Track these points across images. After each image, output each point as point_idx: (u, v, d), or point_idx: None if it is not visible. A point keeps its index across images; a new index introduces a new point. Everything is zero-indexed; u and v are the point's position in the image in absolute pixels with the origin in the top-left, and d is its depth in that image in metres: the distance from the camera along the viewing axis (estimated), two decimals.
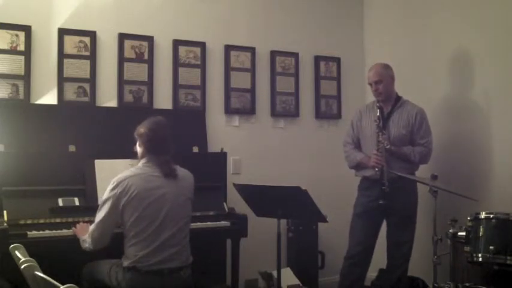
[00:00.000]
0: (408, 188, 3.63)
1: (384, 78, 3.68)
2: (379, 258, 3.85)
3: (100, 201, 2.91)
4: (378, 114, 3.59)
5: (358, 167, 3.78)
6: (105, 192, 2.85)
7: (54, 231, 3.10)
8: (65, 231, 3.12)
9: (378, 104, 3.64)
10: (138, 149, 2.96)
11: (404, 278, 3.71)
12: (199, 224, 3.42)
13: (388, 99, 3.72)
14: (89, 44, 3.84)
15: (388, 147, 3.55)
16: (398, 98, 3.75)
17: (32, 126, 3.52)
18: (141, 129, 2.92)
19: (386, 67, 3.75)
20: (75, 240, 3.08)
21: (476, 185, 3.79)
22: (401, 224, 3.65)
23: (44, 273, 1.68)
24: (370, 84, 3.74)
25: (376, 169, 3.54)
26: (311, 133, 4.65)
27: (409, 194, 3.66)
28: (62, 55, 3.76)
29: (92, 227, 2.86)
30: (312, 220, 4.17)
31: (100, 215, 2.82)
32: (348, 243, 3.78)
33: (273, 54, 4.50)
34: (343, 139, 3.94)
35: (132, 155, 3.04)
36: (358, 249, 3.70)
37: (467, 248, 3.02)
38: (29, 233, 3.02)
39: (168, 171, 2.86)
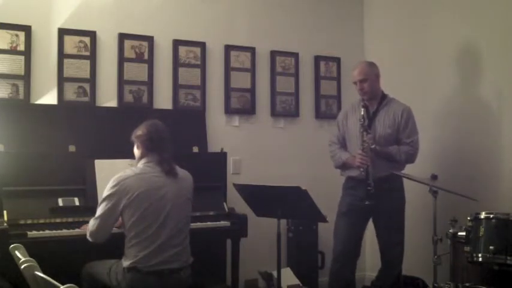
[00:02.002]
0: (395, 188, 3.59)
1: (368, 77, 3.60)
2: (379, 259, 3.84)
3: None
4: (363, 113, 3.53)
5: (343, 167, 3.70)
6: (105, 189, 2.85)
7: (54, 231, 3.10)
8: (65, 231, 3.13)
9: (362, 103, 3.58)
10: (136, 151, 2.96)
11: (400, 279, 3.69)
12: (199, 224, 3.42)
13: (374, 98, 3.64)
14: (89, 44, 3.83)
15: (373, 147, 3.48)
16: (384, 96, 3.67)
17: (32, 126, 3.52)
18: (139, 131, 2.95)
19: (371, 65, 3.69)
20: (75, 240, 3.10)
21: (476, 185, 3.78)
22: (391, 225, 3.59)
23: (44, 273, 1.68)
24: (355, 82, 3.65)
25: (361, 169, 3.48)
26: (311, 133, 4.65)
27: (396, 195, 3.61)
28: (62, 55, 3.76)
29: (91, 221, 2.87)
30: (312, 220, 4.17)
31: (99, 211, 2.83)
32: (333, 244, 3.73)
33: (273, 54, 4.50)
34: (329, 139, 3.87)
35: (132, 155, 3.04)
36: (344, 249, 3.63)
37: (467, 248, 3.02)
38: (29, 233, 3.02)
39: (168, 169, 2.87)
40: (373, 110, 3.63)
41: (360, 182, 3.53)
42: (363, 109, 3.54)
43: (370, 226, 3.74)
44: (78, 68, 3.80)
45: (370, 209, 3.50)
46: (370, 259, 4.40)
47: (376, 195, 3.42)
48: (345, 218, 3.65)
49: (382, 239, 3.66)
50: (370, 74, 3.62)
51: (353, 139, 3.66)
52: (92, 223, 2.85)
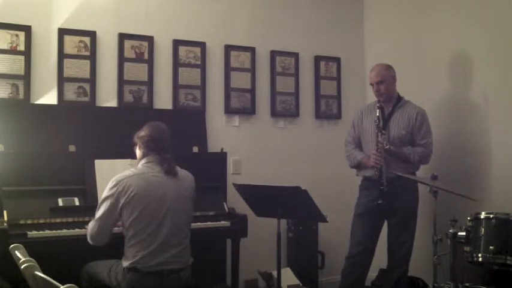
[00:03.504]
0: (408, 188, 3.63)
1: (385, 79, 3.68)
2: (379, 258, 3.84)
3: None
4: (378, 114, 3.61)
5: (358, 166, 3.79)
6: (104, 190, 2.85)
7: (54, 231, 3.10)
8: (65, 231, 3.13)
9: (378, 104, 3.65)
10: (138, 151, 2.98)
11: (404, 278, 3.72)
12: (199, 224, 3.42)
13: (390, 100, 3.72)
14: (89, 44, 3.84)
15: (387, 147, 3.56)
16: (399, 98, 3.75)
17: (32, 126, 3.52)
18: (142, 132, 2.97)
19: (389, 68, 3.76)
20: (75, 240, 3.10)
21: (476, 185, 3.79)
22: (401, 224, 3.66)
23: (44, 273, 1.68)
24: (372, 84, 3.74)
25: (375, 169, 3.55)
26: (311, 133, 4.65)
27: (410, 194, 3.66)
28: (62, 55, 3.76)
29: (91, 223, 2.87)
30: (312, 220, 4.17)
31: (99, 213, 2.82)
32: (349, 244, 3.79)
33: (273, 54, 4.50)
34: (345, 138, 3.95)
35: (132, 155, 3.05)
36: (359, 249, 3.70)
37: (467, 248, 3.02)
38: (29, 233, 3.02)
39: (168, 168, 2.88)
40: (388, 112, 3.71)
41: (374, 183, 3.60)
42: (378, 110, 3.61)
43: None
44: (78, 68, 3.80)
45: (384, 208, 3.55)
46: None
47: (389, 194, 3.49)
48: (361, 219, 3.72)
49: (391, 237, 3.72)
50: (387, 76, 3.70)
51: (368, 139, 3.73)
52: (92, 225, 2.84)
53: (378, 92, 3.70)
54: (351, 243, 3.77)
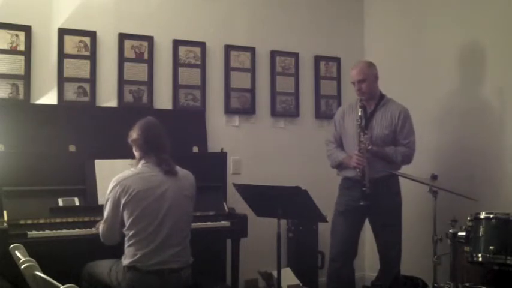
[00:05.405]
0: (391, 188, 3.58)
1: (367, 77, 3.58)
2: (378, 259, 3.84)
3: (101, 201, 2.92)
4: (360, 113, 3.51)
5: (340, 166, 3.70)
6: (106, 191, 2.87)
7: (54, 231, 3.11)
8: (65, 231, 3.13)
9: (360, 103, 3.56)
10: (136, 153, 2.97)
11: (401, 278, 3.69)
12: (199, 224, 3.42)
13: (372, 98, 3.62)
14: (89, 44, 3.84)
15: (369, 147, 3.47)
16: (382, 97, 3.66)
17: (32, 126, 3.51)
18: (133, 134, 2.94)
19: (370, 65, 3.66)
20: (75, 240, 3.11)
21: (476, 185, 3.79)
22: (388, 225, 3.59)
23: (44, 273, 1.68)
24: (353, 82, 3.63)
25: (357, 170, 3.46)
26: (311, 133, 4.65)
27: (393, 195, 3.60)
28: (62, 55, 3.76)
29: (101, 225, 2.91)
30: (312, 220, 4.17)
31: (104, 215, 2.86)
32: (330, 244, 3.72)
33: (273, 54, 4.50)
34: (326, 138, 3.87)
35: (132, 155, 3.04)
36: (341, 249, 3.63)
37: (467, 248, 3.02)
38: (29, 233, 3.02)
39: (167, 168, 2.87)
40: (371, 110, 3.62)
41: (356, 183, 3.52)
42: (360, 109, 3.52)
43: (370, 226, 3.74)
44: (78, 68, 3.80)
45: (366, 209, 3.49)
46: (369, 259, 4.40)
47: (372, 196, 3.41)
48: (342, 217, 3.65)
49: (380, 239, 3.67)
50: (369, 74, 3.60)
51: (350, 139, 3.64)
52: (102, 227, 2.89)
53: (360, 91, 3.59)
54: (332, 242, 3.68)
